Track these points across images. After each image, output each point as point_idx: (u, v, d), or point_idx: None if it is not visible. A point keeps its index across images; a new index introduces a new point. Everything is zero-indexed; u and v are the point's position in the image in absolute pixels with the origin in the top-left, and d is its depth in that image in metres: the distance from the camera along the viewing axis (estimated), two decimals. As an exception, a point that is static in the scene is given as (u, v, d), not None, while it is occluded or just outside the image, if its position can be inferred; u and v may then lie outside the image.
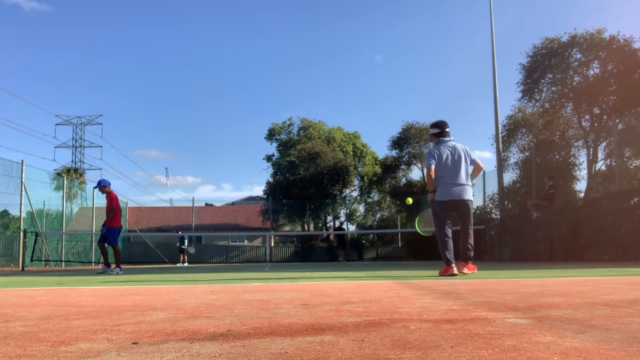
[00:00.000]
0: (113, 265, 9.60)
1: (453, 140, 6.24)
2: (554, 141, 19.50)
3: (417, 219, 7.13)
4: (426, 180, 6.28)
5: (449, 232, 6.12)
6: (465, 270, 5.97)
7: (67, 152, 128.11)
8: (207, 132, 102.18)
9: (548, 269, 7.58)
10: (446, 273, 5.83)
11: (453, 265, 5.84)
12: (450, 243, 6.04)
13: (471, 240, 6.12)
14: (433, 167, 6.10)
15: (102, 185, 9.59)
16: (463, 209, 6.12)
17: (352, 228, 34.14)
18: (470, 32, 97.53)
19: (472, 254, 6.12)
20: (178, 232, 24.83)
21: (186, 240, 22.93)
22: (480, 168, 6.35)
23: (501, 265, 10.32)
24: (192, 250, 23.10)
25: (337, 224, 33.28)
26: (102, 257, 9.63)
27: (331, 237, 31.67)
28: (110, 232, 9.55)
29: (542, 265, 10.07)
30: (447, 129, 6.23)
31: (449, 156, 6.08)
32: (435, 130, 6.31)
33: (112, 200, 9.51)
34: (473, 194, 6.31)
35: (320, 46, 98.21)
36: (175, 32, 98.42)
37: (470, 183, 6.17)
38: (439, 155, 6.10)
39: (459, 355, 1.30)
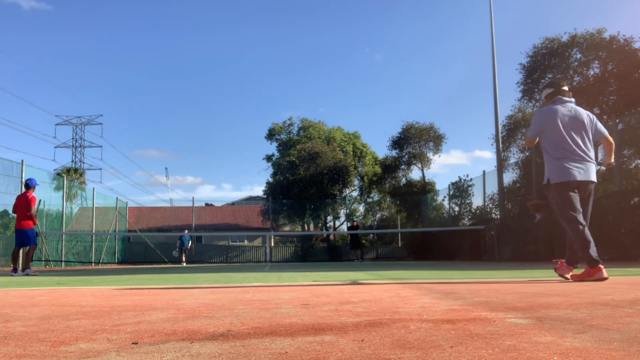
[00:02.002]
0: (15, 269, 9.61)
1: (575, 105, 4.67)
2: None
3: None
4: (525, 140, 4.80)
5: (581, 222, 4.45)
6: (568, 275, 4.52)
7: (67, 152, 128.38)
8: (207, 131, 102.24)
9: (548, 269, 7.57)
10: (590, 277, 4.27)
11: (601, 266, 4.26)
12: (590, 236, 4.40)
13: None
14: (532, 138, 4.65)
15: (34, 186, 9.75)
16: (584, 194, 4.50)
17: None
18: (470, 32, 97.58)
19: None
20: (184, 231, 24.67)
21: (190, 242, 22.82)
22: (611, 143, 4.72)
23: (501, 265, 10.32)
24: (175, 253, 23.05)
25: (349, 222, 32.10)
26: (24, 261, 9.67)
27: (331, 236, 31.66)
28: (32, 233, 9.58)
29: (542, 265, 10.07)
30: (564, 87, 4.70)
31: (569, 121, 4.53)
32: (549, 91, 4.77)
33: (33, 201, 9.65)
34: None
35: (320, 46, 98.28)
36: (175, 32, 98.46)
37: (594, 160, 4.59)
38: (553, 118, 4.54)
39: (459, 355, 1.30)
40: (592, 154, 4.55)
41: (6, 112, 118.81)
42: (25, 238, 9.47)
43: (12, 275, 8.82)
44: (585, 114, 4.62)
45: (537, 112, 4.71)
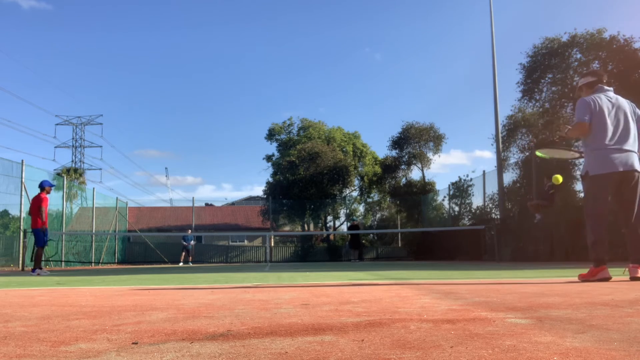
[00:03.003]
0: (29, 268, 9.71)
1: (618, 97, 4.50)
2: (554, 141, 19.52)
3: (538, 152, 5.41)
4: (569, 133, 4.58)
5: (606, 221, 4.37)
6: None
7: (67, 152, 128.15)
8: (207, 131, 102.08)
9: (548, 269, 7.58)
10: (594, 277, 4.24)
11: (605, 266, 4.25)
12: (606, 237, 4.35)
13: None
14: (587, 122, 4.33)
15: (46, 187, 9.81)
16: (629, 185, 4.28)
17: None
18: (470, 32, 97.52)
19: None
20: (188, 231, 24.58)
21: (192, 241, 22.70)
22: None
23: (501, 265, 10.33)
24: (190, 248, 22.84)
25: (350, 222, 31.92)
26: (34, 260, 9.70)
27: (331, 236, 31.65)
28: (39, 233, 9.68)
29: (542, 265, 10.07)
30: (605, 79, 4.60)
31: (611, 110, 4.36)
32: (589, 79, 4.59)
33: (44, 202, 9.69)
34: None
35: (320, 46, 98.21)
36: (175, 32, 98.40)
37: (638, 149, 4.38)
38: (597, 106, 4.37)
39: (459, 355, 1.30)
40: (636, 144, 4.36)
41: (6, 112, 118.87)
42: (35, 238, 9.59)
43: (40, 275, 8.95)
44: (627, 103, 4.46)
45: (582, 100, 4.47)
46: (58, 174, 26.55)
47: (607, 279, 4.19)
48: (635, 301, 2.52)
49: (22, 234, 14.64)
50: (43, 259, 16.96)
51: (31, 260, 9.85)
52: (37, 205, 9.62)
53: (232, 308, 2.52)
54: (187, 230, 24.02)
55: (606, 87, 4.51)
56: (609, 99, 4.42)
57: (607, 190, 4.32)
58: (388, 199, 31.98)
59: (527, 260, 13.69)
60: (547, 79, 20.30)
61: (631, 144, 4.33)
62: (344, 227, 33.13)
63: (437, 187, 28.89)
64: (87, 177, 47.28)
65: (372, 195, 35.48)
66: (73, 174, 40.41)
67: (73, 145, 53.55)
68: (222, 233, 35.64)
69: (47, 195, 9.82)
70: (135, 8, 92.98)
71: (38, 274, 9.13)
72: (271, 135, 38.42)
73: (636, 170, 4.28)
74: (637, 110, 4.48)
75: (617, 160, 4.26)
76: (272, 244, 30.47)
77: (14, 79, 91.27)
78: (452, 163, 79.05)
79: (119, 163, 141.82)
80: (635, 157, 4.33)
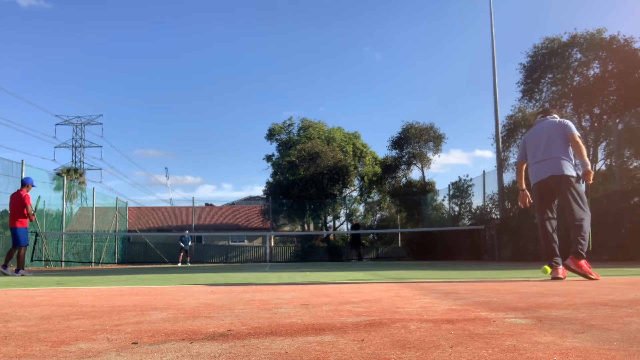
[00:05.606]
0: (13, 268, 9.43)
1: (549, 119, 5.07)
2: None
3: None
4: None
5: (549, 224, 4.90)
6: (573, 266, 4.58)
7: (67, 152, 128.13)
8: (207, 131, 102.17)
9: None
10: (552, 276, 4.73)
11: (556, 266, 4.73)
12: (552, 238, 4.88)
13: (580, 229, 4.63)
14: (519, 159, 5.31)
15: (29, 185, 9.41)
16: (557, 189, 4.76)
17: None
18: (470, 32, 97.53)
19: (582, 247, 4.60)
20: (185, 231, 24.58)
21: (190, 242, 22.71)
22: (576, 143, 4.71)
23: (501, 265, 10.32)
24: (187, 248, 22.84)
25: (348, 222, 31.84)
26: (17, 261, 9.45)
27: (331, 236, 31.65)
28: (23, 232, 9.29)
29: (542, 265, 10.05)
30: (553, 113, 5.15)
31: (537, 134, 5.02)
32: (538, 116, 5.29)
33: (27, 199, 9.27)
34: (573, 170, 4.77)
35: (320, 46, 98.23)
36: (175, 32, 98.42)
37: (560, 155, 4.75)
38: (523, 141, 5.24)
39: (459, 355, 1.30)
40: (555, 152, 4.78)
41: (6, 112, 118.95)
42: (15, 237, 9.26)
43: (7, 275, 8.79)
44: (551, 122, 4.97)
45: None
46: (58, 174, 26.55)
47: (558, 278, 4.64)
48: (635, 301, 2.52)
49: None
50: (43, 258, 16.98)
51: (31, 260, 9.76)
52: (19, 203, 9.13)
53: (232, 308, 2.52)
54: (184, 232, 24.02)
55: (541, 118, 5.14)
56: (537, 126, 5.09)
57: (538, 198, 4.96)
58: (388, 199, 32.00)
59: (527, 260, 13.69)
60: (547, 78, 20.32)
61: (545, 152, 4.84)
62: (344, 227, 33.14)
63: (437, 187, 28.94)
64: (87, 177, 47.29)
65: (372, 195, 35.48)
66: (73, 174, 40.40)
67: (73, 145, 53.59)
68: (222, 233, 35.64)
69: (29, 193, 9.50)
70: (136, 8, 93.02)
71: (22, 275, 9.02)
72: (271, 135, 38.40)
73: (555, 175, 4.74)
74: (566, 123, 4.87)
75: (538, 172, 4.90)
76: (272, 244, 30.46)
77: (14, 79, 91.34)
78: (452, 163, 79.15)
79: (119, 163, 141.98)
80: (554, 162, 4.77)
